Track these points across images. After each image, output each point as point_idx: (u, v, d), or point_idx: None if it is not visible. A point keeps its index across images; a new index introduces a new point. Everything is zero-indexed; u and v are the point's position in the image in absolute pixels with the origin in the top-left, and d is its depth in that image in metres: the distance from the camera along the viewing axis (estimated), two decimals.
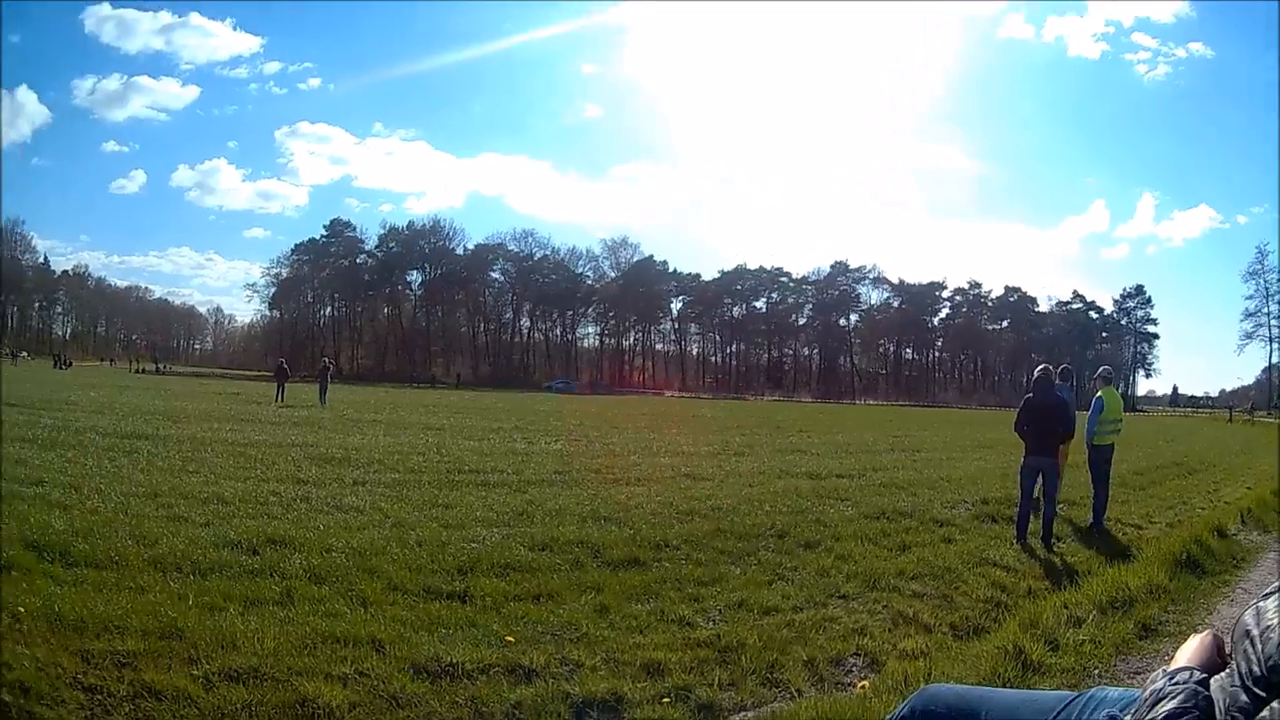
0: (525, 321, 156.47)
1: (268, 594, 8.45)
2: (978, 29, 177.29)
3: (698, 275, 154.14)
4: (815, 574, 10.62)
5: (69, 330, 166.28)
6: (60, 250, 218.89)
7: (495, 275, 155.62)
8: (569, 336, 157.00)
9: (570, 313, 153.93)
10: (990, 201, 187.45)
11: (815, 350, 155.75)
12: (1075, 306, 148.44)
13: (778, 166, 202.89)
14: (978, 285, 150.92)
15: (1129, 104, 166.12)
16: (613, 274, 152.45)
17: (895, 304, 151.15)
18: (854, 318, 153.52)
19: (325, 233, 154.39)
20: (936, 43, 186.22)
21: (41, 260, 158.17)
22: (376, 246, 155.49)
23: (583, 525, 12.38)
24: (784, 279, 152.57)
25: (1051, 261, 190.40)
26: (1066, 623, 8.69)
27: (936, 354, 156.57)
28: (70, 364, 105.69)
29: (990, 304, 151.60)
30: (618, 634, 7.91)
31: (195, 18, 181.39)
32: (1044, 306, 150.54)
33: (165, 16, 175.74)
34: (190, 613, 7.69)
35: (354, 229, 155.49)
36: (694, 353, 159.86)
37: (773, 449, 27.99)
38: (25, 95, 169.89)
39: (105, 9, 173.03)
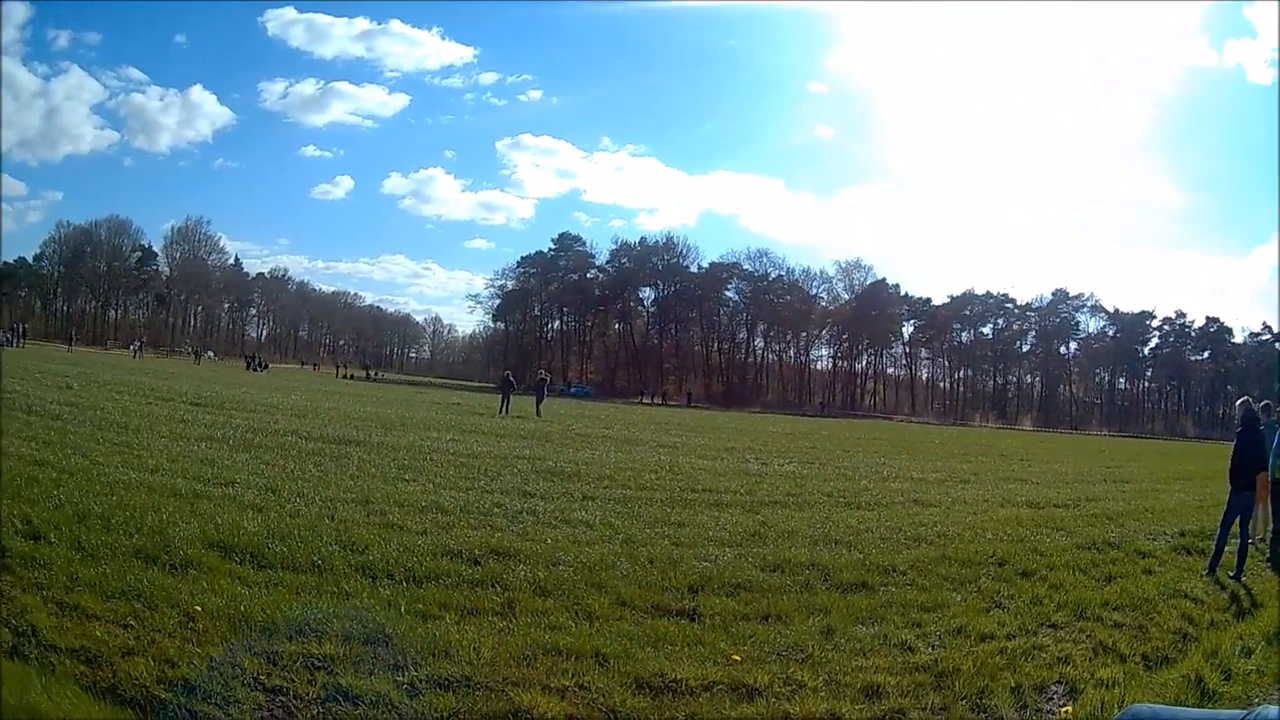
0: (759, 342, 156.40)
1: (488, 604, 8.85)
2: (1167, 54, 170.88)
3: (928, 300, 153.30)
4: (1029, 602, 11.12)
5: (264, 332, 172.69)
6: (254, 253, 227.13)
7: (730, 294, 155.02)
8: (802, 358, 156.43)
9: (804, 334, 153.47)
10: (1187, 230, 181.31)
11: (1037, 378, 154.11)
12: (1265, 338, 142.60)
13: (997, 190, 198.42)
14: (1182, 315, 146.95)
15: None
16: (846, 296, 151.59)
17: (1110, 333, 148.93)
18: (1073, 346, 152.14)
19: (554, 246, 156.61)
20: (1134, 69, 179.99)
21: (232, 261, 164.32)
22: (608, 261, 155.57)
23: (814, 548, 12.74)
24: (1009, 305, 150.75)
25: (1246, 291, 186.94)
26: (1240, 653, 9.22)
27: (1145, 384, 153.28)
28: (266, 366, 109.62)
29: (1193, 334, 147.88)
30: (841, 656, 8.20)
31: (397, 25, 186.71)
32: (1239, 337, 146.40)
33: (363, 23, 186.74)
34: (401, 619, 8.05)
35: (584, 243, 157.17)
36: (923, 378, 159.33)
37: (996, 477, 28.37)
38: (201, 95, 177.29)
39: (290, 13, 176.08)
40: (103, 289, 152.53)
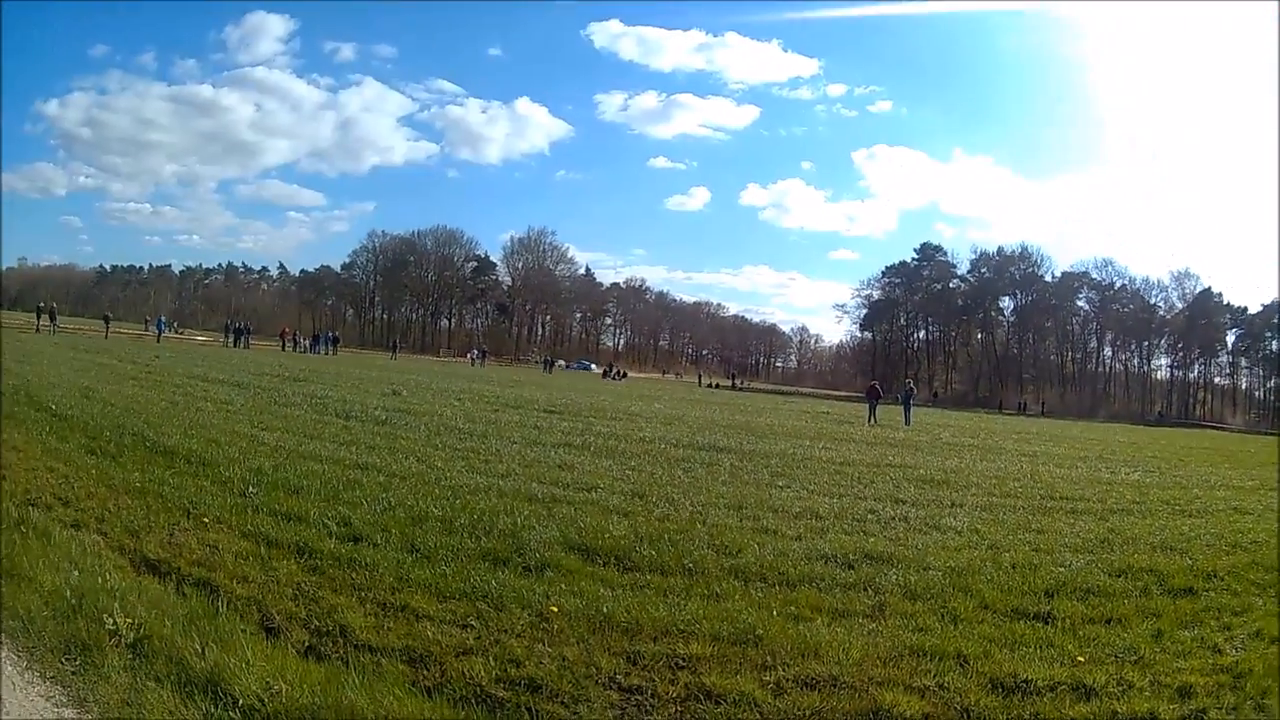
0: (1107, 351, 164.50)
1: (858, 607, 9.33)
2: None
3: (1244, 309, 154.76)
4: None
5: (620, 341, 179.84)
6: (607, 263, 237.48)
7: (1080, 304, 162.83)
8: (1143, 367, 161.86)
9: (1145, 343, 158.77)
10: None
11: None
12: None
13: None
14: None
15: None
16: (1179, 305, 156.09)
17: None
18: None
19: (916, 256, 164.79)
20: None
21: (583, 271, 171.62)
22: (969, 271, 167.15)
23: (1153, 554, 13.15)
24: None
25: None
26: None
27: None
28: (625, 375, 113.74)
29: None
30: (1166, 658, 8.55)
31: (733, 37, 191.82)
32: None
33: (698, 35, 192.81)
34: (773, 621, 8.51)
35: (944, 253, 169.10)
36: (1243, 386, 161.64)
37: None
38: (529, 107, 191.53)
39: (615, 25, 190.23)
40: (431, 298, 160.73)
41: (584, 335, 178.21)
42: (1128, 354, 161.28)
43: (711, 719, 6.61)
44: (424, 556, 9.95)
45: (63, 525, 10.26)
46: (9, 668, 6.58)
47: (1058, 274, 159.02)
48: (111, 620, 7.10)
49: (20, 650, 6.89)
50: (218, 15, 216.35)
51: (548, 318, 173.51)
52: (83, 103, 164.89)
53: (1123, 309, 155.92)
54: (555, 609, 8.30)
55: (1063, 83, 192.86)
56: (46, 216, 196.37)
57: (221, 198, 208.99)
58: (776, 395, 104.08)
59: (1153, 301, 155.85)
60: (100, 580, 8.14)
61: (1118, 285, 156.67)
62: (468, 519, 11.62)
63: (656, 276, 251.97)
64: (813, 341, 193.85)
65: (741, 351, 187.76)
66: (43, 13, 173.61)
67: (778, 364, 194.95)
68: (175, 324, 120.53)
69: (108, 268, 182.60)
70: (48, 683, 6.45)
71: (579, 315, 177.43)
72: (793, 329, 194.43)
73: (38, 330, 66.27)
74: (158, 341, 74.94)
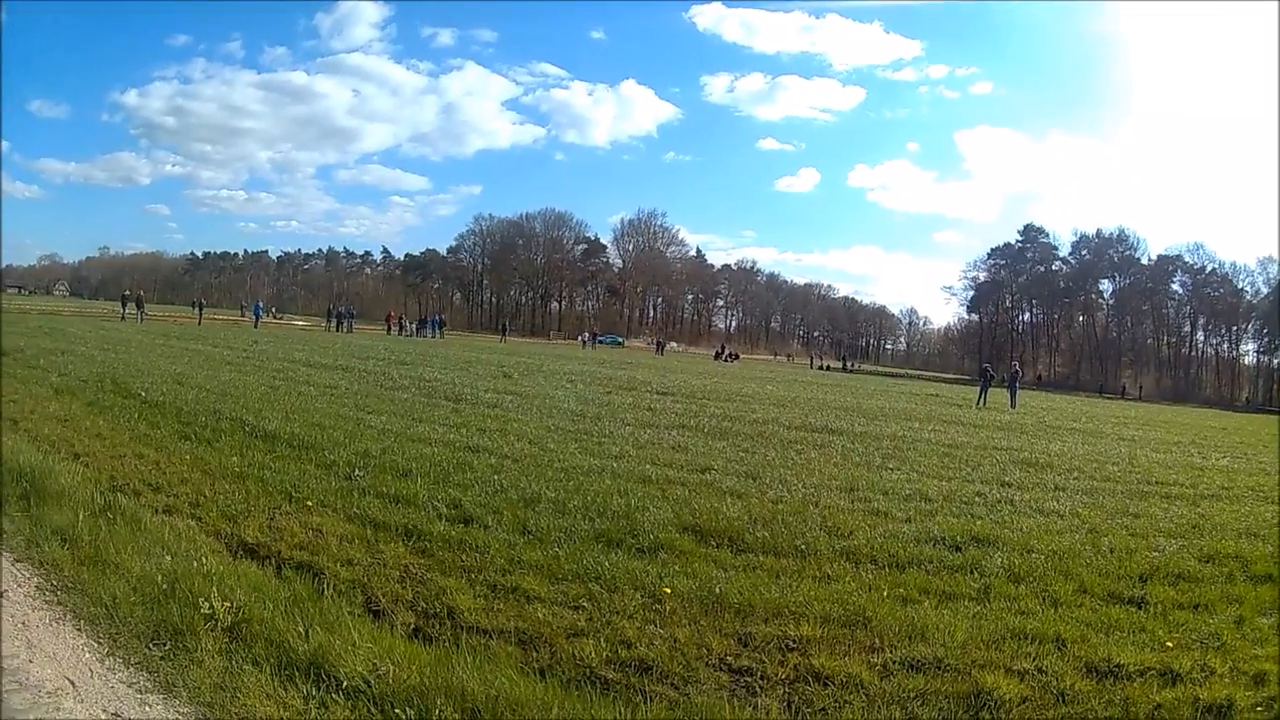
0: (1200, 335, 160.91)
1: (964, 590, 9.41)
2: None
3: None
4: None
5: (732, 323, 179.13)
6: (719, 245, 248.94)
7: (1175, 287, 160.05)
8: (1234, 353, 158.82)
9: (1234, 328, 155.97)
10: None
11: None
12: None
13: None
14: None
15: None
16: (1265, 290, 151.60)
17: None
18: None
19: (1020, 238, 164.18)
20: None
21: (694, 253, 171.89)
22: (1070, 254, 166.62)
23: (1238, 540, 13.05)
24: None
25: None
26: None
27: None
28: (737, 357, 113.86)
29: None
30: (1245, 644, 8.48)
31: (834, 19, 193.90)
32: None
33: (800, 17, 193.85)
34: (882, 603, 8.63)
35: (1047, 235, 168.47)
36: None
37: None
38: (634, 90, 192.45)
39: (718, 7, 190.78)
40: (540, 281, 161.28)
41: (696, 317, 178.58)
42: (1218, 339, 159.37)
43: (819, 701, 6.68)
44: (536, 538, 10.05)
45: (153, 511, 10.44)
46: (87, 654, 6.64)
47: (1153, 257, 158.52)
48: (207, 604, 7.18)
49: (101, 636, 6.98)
50: (305, 4, 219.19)
51: (659, 300, 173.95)
52: (165, 92, 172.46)
53: (1214, 293, 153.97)
54: (668, 590, 8.45)
55: (1144, 68, 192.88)
56: (130, 205, 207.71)
57: (321, 183, 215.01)
58: (886, 377, 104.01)
59: (1240, 286, 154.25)
60: (195, 565, 8.23)
61: (1208, 269, 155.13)
62: (581, 501, 11.82)
63: (767, 258, 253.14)
64: (921, 323, 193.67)
65: (852, 333, 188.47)
66: (115, 6, 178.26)
67: (887, 346, 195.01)
68: (273, 309, 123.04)
69: (199, 254, 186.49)
70: (131, 669, 6.53)
71: (690, 297, 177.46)
72: (902, 311, 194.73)
73: (123, 318, 67.21)
74: (255, 327, 75.47)
